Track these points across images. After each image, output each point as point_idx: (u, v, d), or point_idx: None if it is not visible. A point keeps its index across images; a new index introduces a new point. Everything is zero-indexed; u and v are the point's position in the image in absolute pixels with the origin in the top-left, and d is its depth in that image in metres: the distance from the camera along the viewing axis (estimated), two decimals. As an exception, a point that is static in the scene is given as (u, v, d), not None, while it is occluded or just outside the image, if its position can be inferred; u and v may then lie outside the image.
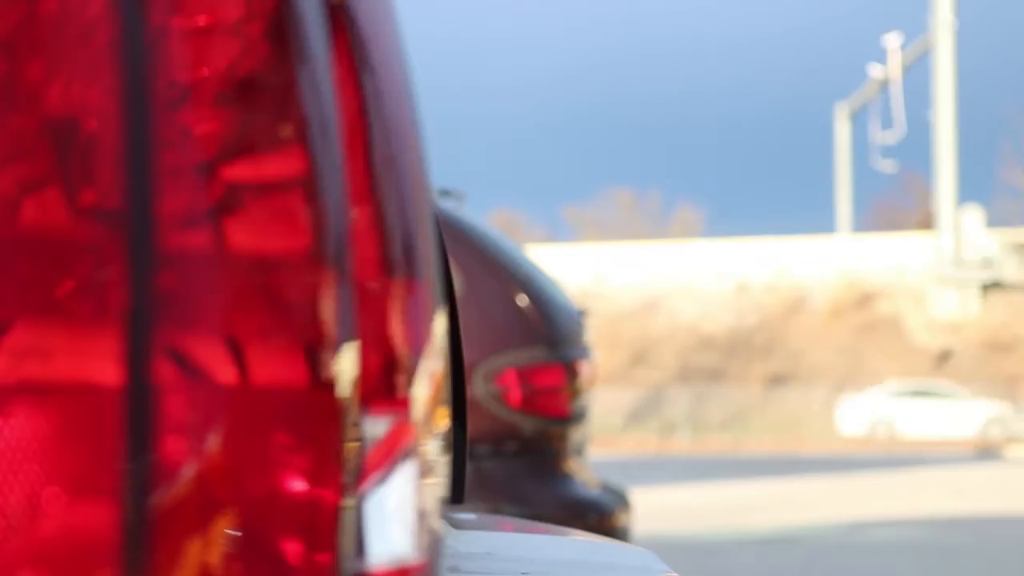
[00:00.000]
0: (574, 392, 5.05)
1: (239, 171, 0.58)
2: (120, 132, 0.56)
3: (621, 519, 5.10)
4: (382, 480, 0.63)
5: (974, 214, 42.96)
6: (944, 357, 41.95)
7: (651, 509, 13.75)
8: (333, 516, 0.60)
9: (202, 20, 0.59)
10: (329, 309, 0.60)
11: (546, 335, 4.99)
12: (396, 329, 0.63)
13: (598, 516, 4.99)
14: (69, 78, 0.56)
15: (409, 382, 0.64)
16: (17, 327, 0.54)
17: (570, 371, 5.02)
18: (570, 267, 43.41)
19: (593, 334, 5.52)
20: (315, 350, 0.59)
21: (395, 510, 0.64)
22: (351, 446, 0.60)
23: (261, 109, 0.59)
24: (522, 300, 4.95)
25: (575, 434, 5.10)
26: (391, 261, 0.63)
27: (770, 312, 44.43)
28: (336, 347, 0.60)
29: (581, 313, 5.37)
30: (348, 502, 0.61)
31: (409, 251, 0.64)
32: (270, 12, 0.60)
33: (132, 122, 0.56)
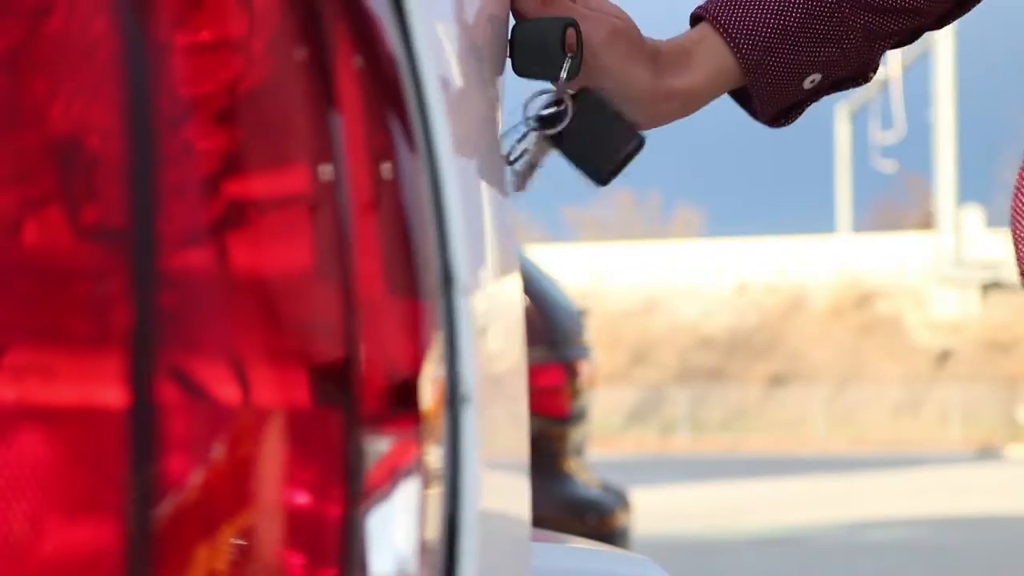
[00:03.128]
0: (574, 392, 5.06)
1: (242, 187, 0.58)
2: (123, 149, 0.56)
3: (621, 519, 5.10)
4: (386, 495, 0.63)
5: (974, 214, 42.97)
6: (944, 357, 41.97)
7: (651, 509, 13.77)
8: (336, 532, 0.60)
9: (205, 36, 0.58)
10: (333, 326, 0.60)
11: (546, 335, 4.99)
12: (400, 345, 0.63)
13: (598, 516, 4.99)
14: (71, 96, 0.56)
15: (413, 397, 0.64)
16: (18, 347, 0.54)
17: (570, 371, 5.03)
18: (570, 267, 43.42)
19: (593, 334, 5.52)
20: (319, 367, 0.59)
21: (398, 525, 0.64)
22: (355, 462, 0.60)
23: (265, 125, 0.59)
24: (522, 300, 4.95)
25: (575, 434, 5.11)
26: (395, 277, 0.63)
27: (770, 312, 44.45)
28: (340, 364, 0.60)
29: (581, 313, 5.38)
30: (351, 517, 0.61)
31: (413, 267, 0.64)
32: (274, 27, 0.60)
33: (135, 139, 0.56)
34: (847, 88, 1.22)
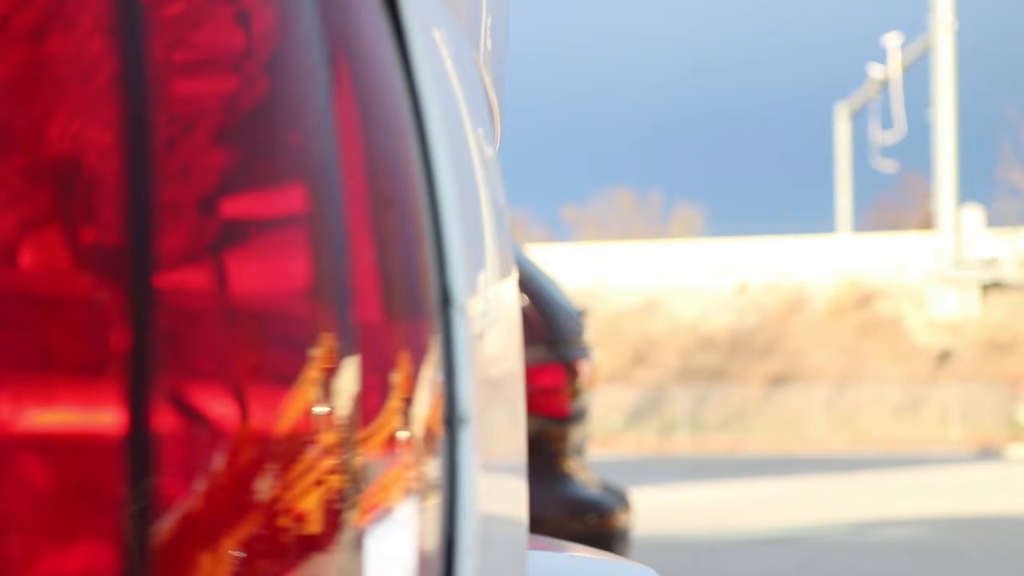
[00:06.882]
0: (574, 392, 5.06)
1: (240, 207, 0.58)
2: (120, 169, 0.56)
3: (621, 519, 5.11)
4: (384, 513, 0.63)
5: (974, 214, 42.95)
6: (944, 357, 41.95)
7: (651, 509, 13.77)
8: (335, 550, 0.60)
9: (203, 55, 0.58)
10: (330, 347, 0.60)
11: (546, 335, 4.99)
12: (398, 365, 0.63)
13: (598, 516, 5.00)
14: (69, 116, 0.56)
15: (410, 417, 0.64)
16: (15, 371, 0.54)
17: (570, 371, 5.03)
18: (570, 267, 43.41)
19: (593, 334, 5.52)
20: (316, 388, 0.59)
21: (397, 541, 0.64)
22: (352, 482, 0.60)
23: (262, 144, 0.59)
24: (522, 300, 4.95)
25: (575, 434, 5.11)
26: (392, 297, 0.63)
27: (770, 312, 44.43)
28: (337, 385, 0.60)
29: (581, 313, 5.38)
30: (350, 535, 0.60)
31: (410, 287, 0.64)
32: (271, 47, 0.60)
33: (132, 158, 0.56)
34: None
